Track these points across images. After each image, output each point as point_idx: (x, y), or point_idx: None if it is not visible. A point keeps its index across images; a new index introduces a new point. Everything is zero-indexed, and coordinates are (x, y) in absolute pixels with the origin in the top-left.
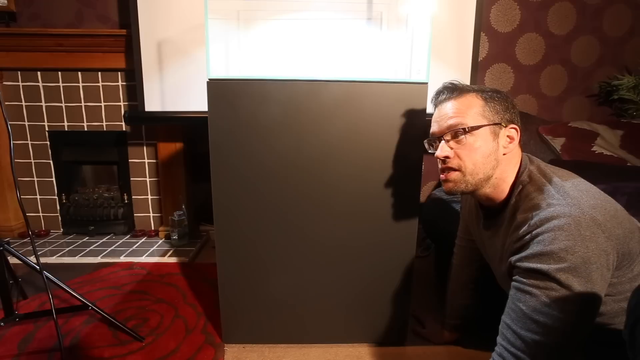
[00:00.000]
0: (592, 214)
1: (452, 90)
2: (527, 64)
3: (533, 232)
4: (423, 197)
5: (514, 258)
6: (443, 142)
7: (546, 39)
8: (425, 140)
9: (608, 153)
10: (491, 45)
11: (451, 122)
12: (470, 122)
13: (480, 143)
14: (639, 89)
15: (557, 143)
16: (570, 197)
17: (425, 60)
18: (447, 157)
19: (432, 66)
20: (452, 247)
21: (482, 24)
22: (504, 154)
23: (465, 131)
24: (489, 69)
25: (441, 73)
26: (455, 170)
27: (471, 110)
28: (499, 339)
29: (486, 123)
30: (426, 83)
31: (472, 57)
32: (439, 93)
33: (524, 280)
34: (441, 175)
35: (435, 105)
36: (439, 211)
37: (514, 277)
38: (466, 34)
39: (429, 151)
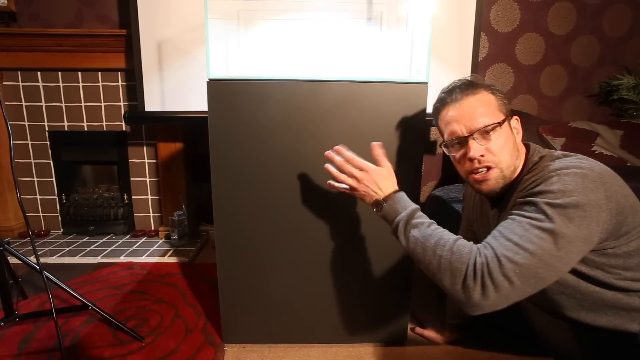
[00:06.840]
0: (601, 172)
1: (467, 87)
2: (527, 64)
3: (541, 179)
4: (423, 197)
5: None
6: (474, 142)
7: (546, 39)
8: (442, 144)
9: (608, 153)
10: (491, 45)
11: (480, 120)
12: (496, 118)
13: (506, 136)
14: (639, 89)
15: (557, 143)
16: (585, 161)
17: (425, 60)
18: (482, 155)
19: (432, 66)
20: None
21: (482, 24)
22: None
23: (500, 125)
24: (489, 69)
25: (441, 73)
26: (492, 167)
27: (491, 106)
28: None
29: (504, 117)
30: (426, 83)
31: (472, 57)
32: (451, 91)
33: (514, 212)
34: (475, 176)
35: (446, 104)
36: (439, 211)
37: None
38: (466, 34)
39: (449, 155)
